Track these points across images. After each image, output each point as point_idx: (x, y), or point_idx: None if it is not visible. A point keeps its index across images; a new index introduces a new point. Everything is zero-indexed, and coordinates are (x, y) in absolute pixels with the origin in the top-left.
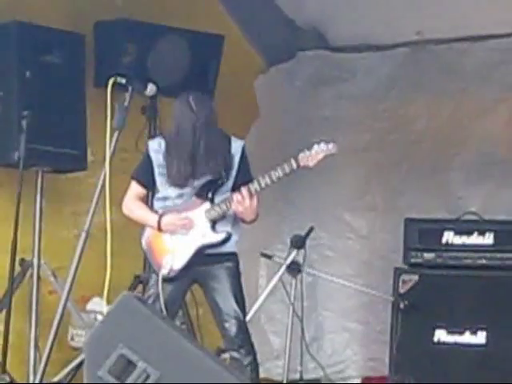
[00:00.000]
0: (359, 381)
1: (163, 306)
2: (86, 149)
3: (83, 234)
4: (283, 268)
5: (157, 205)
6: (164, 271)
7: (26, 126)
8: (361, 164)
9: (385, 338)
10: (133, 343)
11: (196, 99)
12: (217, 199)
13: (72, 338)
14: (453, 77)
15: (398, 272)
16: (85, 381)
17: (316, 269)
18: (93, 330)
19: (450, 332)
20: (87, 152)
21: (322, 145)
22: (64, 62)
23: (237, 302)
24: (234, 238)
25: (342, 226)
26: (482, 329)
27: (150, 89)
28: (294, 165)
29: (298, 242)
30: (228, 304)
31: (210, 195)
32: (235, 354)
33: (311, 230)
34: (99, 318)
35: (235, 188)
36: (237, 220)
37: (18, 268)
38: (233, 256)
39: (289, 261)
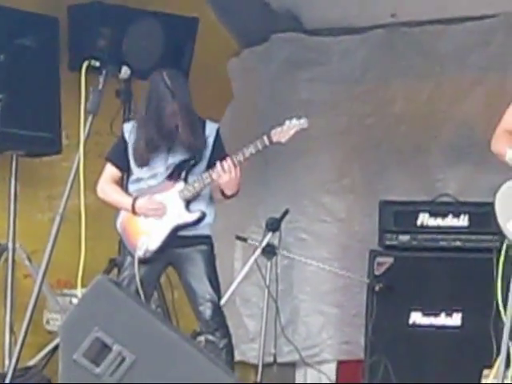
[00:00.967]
0: (334, 364)
1: (139, 286)
2: (60, 132)
3: (58, 218)
4: (258, 251)
5: (131, 187)
6: (139, 252)
7: None
8: (338, 147)
9: (360, 322)
10: (108, 326)
11: (171, 76)
12: (190, 180)
13: (47, 322)
14: (429, 59)
15: (373, 254)
16: (60, 364)
17: (292, 252)
18: (68, 313)
19: (426, 314)
20: (62, 135)
21: (294, 120)
22: (38, 46)
23: (212, 284)
24: (208, 219)
25: (318, 209)
26: (457, 310)
27: (124, 72)
28: (267, 141)
29: (274, 225)
30: (203, 287)
31: (183, 175)
32: (210, 337)
33: (286, 212)
34: (74, 301)
35: (209, 169)
36: (211, 200)
37: None
38: (207, 239)
39: (264, 243)
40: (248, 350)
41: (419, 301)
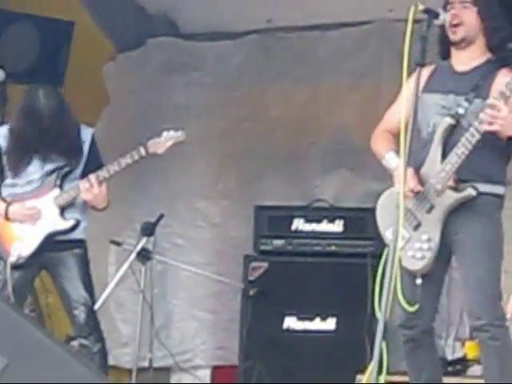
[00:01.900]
0: (209, 370)
1: (11, 292)
2: None
3: None
4: (133, 255)
5: (4, 191)
6: (12, 258)
7: None
8: (214, 152)
9: (234, 327)
10: None
11: (46, 93)
12: (66, 186)
13: None
14: (306, 65)
15: (247, 259)
16: None
17: (167, 256)
18: None
19: (300, 319)
20: None
21: (172, 132)
22: None
23: (86, 288)
24: (83, 224)
25: (193, 214)
26: (331, 315)
27: None
28: (143, 152)
29: (148, 229)
30: (77, 291)
31: (58, 182)
32: (84, 342)
33: (161, 217)
34: None
35: (84, 175)
36: (86, 206)
37: None
38: (81, 243)
39: (138, 248)
40: (121, 355)
41: (294, 305)
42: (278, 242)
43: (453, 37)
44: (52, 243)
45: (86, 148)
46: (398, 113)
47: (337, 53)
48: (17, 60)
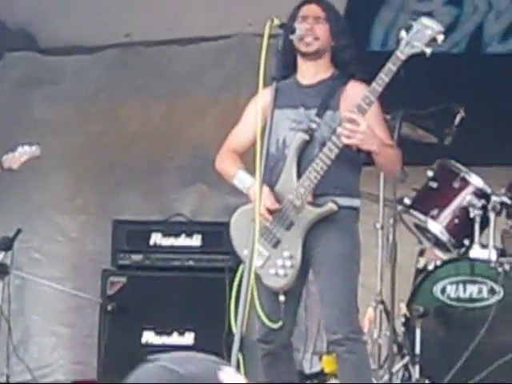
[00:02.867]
0: None
1: None
2: None
3: None
4: None
5: None
6: None
7: None
8: (73, 166)
9: (93, 342)
10: None
11: None
12: None
13: None
14: (165, 79)
15: (105, 274)
16: None
17: (24, 271)
18: None
19: (158, 333)
20: None
21: (26, 147)
22: None
23: None
24: None
25: (51, 229)
26: (189, 330)
27: None
28: None
29: (6, 244)
30: None
31: None
32: None
33: (19, 231)
34: None
35: None
36: None
37: None
38: None
39: None
40: None
41: (152, 320)
42: (136, 257)
43: (306, 49)
44: None
45: None
46: (243, 132)
47: (196, 67)
48: None
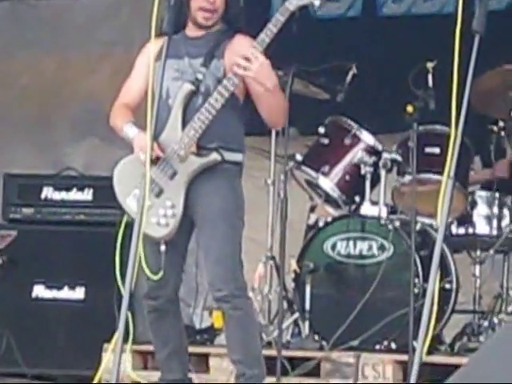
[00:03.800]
0: None
1: None
2: None
3: None
4: None
5: None
6: None
7: None
8: None
9: None
10: None
11: None
12: None
13: None
14: (56, 33)
15: None
16: None
17: None
18: None
19: (49, 287)
20: None
21: None
22: None
23: None
24: None
25: None
26: (80, 284)
27: None
28: None
29: None
30: None
31: None
32: None
33: None
34: None
35: None
36: None
37: None
38: None
39: None
40: None
41: (43, 274)
42: (27, 211)
43: (203, 22)
44: None
45: None
46: (134, 85)
47: (88, 21)
48: None
